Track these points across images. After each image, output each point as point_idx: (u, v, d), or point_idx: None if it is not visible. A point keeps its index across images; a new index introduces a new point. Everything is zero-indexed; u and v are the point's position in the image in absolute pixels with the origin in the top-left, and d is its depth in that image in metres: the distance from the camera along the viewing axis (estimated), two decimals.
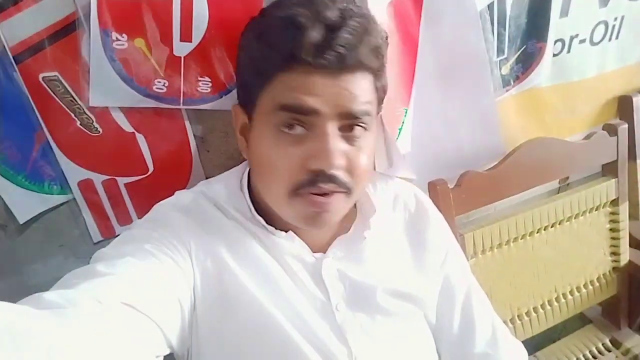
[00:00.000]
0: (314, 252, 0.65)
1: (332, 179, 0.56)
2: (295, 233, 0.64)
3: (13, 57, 0.64)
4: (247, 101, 0.61)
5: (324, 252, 0.66)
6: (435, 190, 0.96)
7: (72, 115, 0.70)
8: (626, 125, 1.17)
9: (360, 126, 0.57)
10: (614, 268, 1.26)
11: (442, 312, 0.74)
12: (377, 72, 0.59)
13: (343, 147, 0.56)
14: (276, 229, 0.63)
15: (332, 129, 0.55)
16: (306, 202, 0.57)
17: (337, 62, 0.53)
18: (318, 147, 0.55)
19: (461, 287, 0.76)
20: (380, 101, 0.63)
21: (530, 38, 0.98)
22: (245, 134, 0.63)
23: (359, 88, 0.56)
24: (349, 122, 0.56)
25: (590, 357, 1.23)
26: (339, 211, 0.60)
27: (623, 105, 1.24)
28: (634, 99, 1.22)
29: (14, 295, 0.39)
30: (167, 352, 0.54)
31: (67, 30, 0.65)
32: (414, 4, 0.83)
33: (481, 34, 0.89)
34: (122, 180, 0.77)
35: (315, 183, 0.56)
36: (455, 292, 0.75)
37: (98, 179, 0.75)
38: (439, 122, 0.98)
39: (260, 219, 0.63)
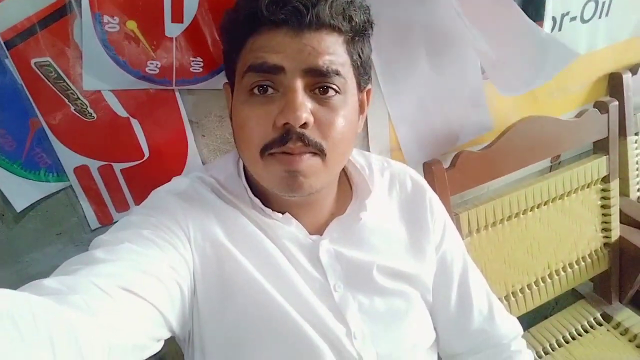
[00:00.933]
0: (310, 234, 0.66)
1: (301, 137, 0.55)
2: (291, 215, 0.65)
3: (4, 43, 0.63)
4: (230, 74, 0.63)
5: (321, 234, 0.66)
6: (430, 170, 0.97)
7: (66, 100, 0.69)
8: (617, 103, 1.19)
9: (332, 87, 0.57)
10: (605, 244, 1.28)
11: (439, 291, 0.75)
12: (350, 36, 0.59)
13: (313, 106, 0.57)
14: (273, 210, 0.64)
15: (299, 85, 0.55)
16: (277, 161, 0.57)
17: (296, 17, 0.54)
18: (285, 102, 0.55)
19: (457, 267, 0.77)
20: (358, 69, 0.62)
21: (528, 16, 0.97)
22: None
23: (324, 45, 0.56)
24: (318, 81, 0.56)
25: (582, 331, 1.26)
26: (314, 175, 0.58)
27: (613, 82, 1.26)
28: (624, 76, 1.23)
29: (13, 284, 0.39)
30: (169, 335, 0.54)
31: (58, 15, 0.64)
32: None
33: None
34: (118, 166, 0.77)
35: (284, 141, 0.55)
36: (451, 271, 0.76)
37: (94, 165, 0.75)
38: (429, 101, 0.99)
39: (257, 200, 0.64)
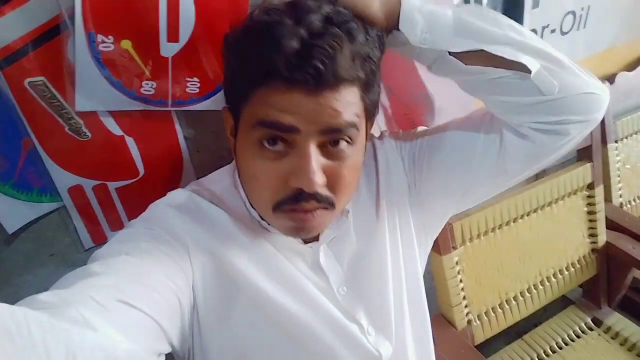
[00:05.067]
0: (305, 243, 0.66)
1: (313, 196, 0.54)
2: None
3: None
4: (232, 108, 0.59)
5: (316, 240, 0.66)
6: None
7: (60, 120, 0.68)
8: None
9: (346, 141, 0.55)
10: (592, 249, 1.31)
11: (460, 161, 0.68)
12: (365, 83, 0.55)
13: (325, 163, 0.55)
14: (269, 224, 0.63)
15: (313, 147, 0.53)
16: (289, 217, 0.56)
17: (315, 77, 0.49)
18: (298, 165, 0.53)
19: (442, 133, 0.70)
20: (369, 115, 0.60)
21: None
22: (234, 135, 0.61)
23: (342, 104, 0.52)
24: (333, 137, 0.54)
25: (574, 336, 1.28)
26: (324, 223, 0.59)
27: None
28: None
29: None
30: (169, 350, 0.53)
31: (51, 34, 0.63)
32: None
33: None
34: (112, 185, 0.76)
35: (297, 200, 0.54)
36: (444, 141, 0.69)
37: (88, 184, 0.74)
38: None
39: (256, 214, 0.63)
